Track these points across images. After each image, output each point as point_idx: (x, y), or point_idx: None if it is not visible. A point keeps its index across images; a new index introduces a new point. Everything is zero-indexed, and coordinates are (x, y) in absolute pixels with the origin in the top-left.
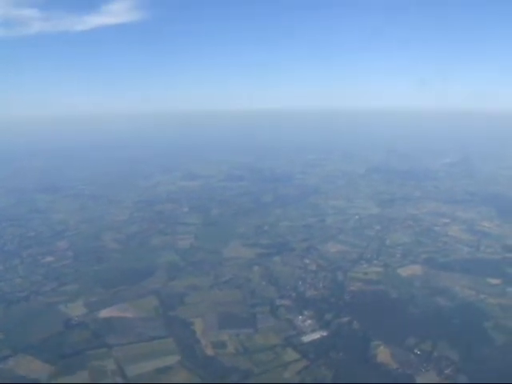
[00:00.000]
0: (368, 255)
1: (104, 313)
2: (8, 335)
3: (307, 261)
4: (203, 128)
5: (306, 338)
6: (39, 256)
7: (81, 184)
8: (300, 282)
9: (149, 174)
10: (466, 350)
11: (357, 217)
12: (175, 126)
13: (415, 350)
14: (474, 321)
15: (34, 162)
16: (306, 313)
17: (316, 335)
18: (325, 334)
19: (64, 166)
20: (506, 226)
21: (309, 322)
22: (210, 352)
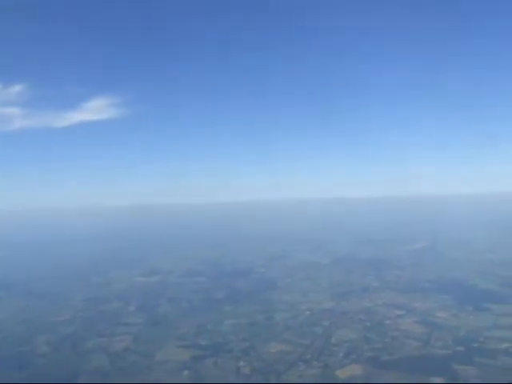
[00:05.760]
0: (309, 355)
1: None
2: None
3: (242, 363)
4: (177, 220)
5: None
6: None
7: (34, 280)
8: None
9: (107, 268)
10: None
11: (308, 312)
12: (156, 218)
13: None
14: None
15: None
16: None
17: None
18: None
19: (23, 261)
20: (462, 316)
21: None
22: None
